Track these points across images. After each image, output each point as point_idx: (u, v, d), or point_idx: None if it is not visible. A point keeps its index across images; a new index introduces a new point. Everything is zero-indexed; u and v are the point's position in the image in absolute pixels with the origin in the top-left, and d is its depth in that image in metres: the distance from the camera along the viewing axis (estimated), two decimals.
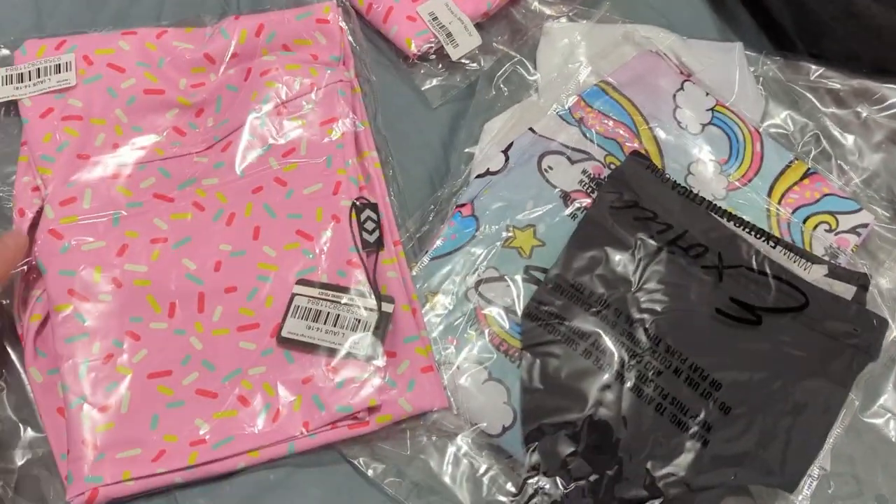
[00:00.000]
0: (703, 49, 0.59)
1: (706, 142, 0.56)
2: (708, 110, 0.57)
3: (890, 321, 0.52)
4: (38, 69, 0.53)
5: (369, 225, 0.50)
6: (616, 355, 0.47)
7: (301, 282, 0.49)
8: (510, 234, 0.51)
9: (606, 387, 0.46)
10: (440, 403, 0.47)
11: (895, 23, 0.53)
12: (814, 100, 0.58)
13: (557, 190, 0.52)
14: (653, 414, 0.45)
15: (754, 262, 0.49)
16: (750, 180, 0.55)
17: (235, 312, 0.49)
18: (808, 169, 0.55)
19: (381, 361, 0.46)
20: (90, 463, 0.44)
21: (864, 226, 0.54)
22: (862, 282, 0.49)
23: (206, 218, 0.51)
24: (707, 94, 0.57)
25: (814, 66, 0.58)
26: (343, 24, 0.56)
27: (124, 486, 0.44)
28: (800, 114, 0.58)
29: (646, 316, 0.47)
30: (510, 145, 0.54)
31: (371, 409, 0.46)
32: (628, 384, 0.46)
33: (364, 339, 0.47)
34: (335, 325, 0.47)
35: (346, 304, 0.48)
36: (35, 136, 0.52)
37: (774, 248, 0.50)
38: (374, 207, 0.51)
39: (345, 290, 0.48)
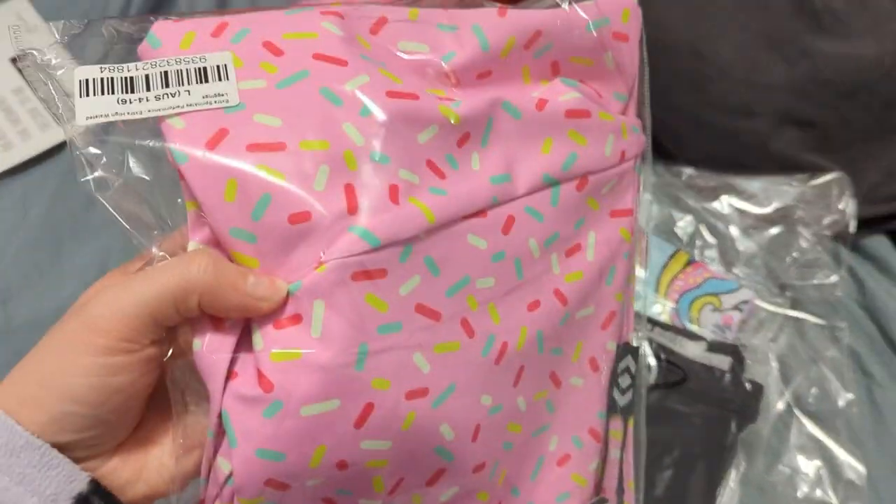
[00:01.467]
0: None
1: None
2: None
3: (782, 387, 0.58)
4: (165, 72, 0.30)
5: (624, 380, 0.38)
6: None
7: None
8: None
9: None
10: None
11: (738, 126, 0.62)
12: (688, 198, 0.66)
13: None
14: None
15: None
16: (637, 275, 0.62)
17: (472, 497, 0.35)
18: (690, 258, 0.63)
19: None
20: None
21: (746, 302, 0.60)
22: (735, 352, 0.55)
23: (475, 349, 0.33)
24: None
25: (685, 169, 0.66)
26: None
27: None
28: (681, 210, 0.66)
29: None
30: None
31: None
32: None
33: None
34: None
35: None
36: (205, 188, 0.29)
37: (652, 330, 0.57)
38: (636, 354, 0.38)
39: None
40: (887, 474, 0.56)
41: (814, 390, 0.58)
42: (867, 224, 0.64)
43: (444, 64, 0.33)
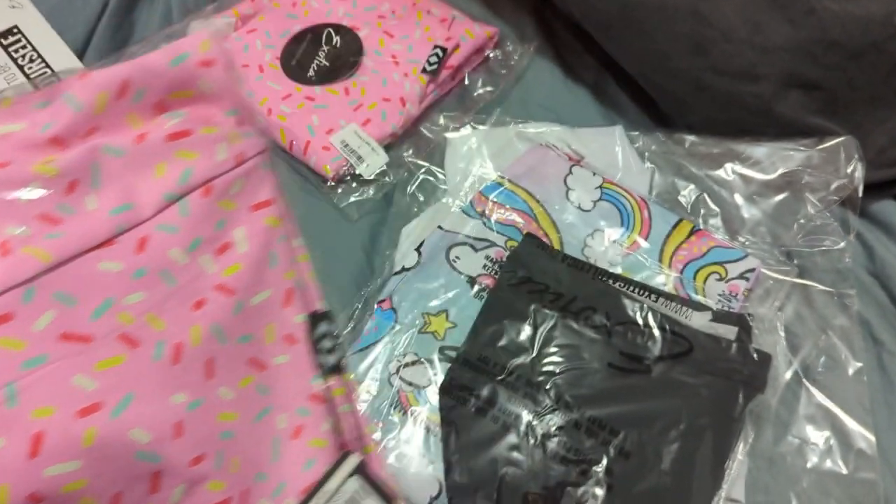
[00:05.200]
0: (589, 135, 0.67)
1: (598, 216, 0.62)
2: (597, 188, 0.63)
3: (789, 356, 0.57)
4: None
5: (326, 343, 0.42)
6: (521, 417, 0.51)
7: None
8: (425, 321, 0.57)
9: (515, 447, 0.50)
10: None
11: (740, 90, 0.60)
12: (691, 165, 0.64)
13: (464, 276, 0.59)
14: (559, 467, 0.50)
15: (639, 317, 0.54)
16: (641, 245, 0.61)
17: (203, 489, 0.37)
18: (694, 227, 0.61)
19: None
20: None
21: (751, 271, 0.59)
22: (742, 322, 0.54)
23: (143, 357, 0.36)
24: (594, 173, 0.64)
25: (687, 136, 0.65)
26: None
27: None
28: (684, 179, 0.64)
29: (545, 378, 0.52)
30: (422, 243, 0.61)
31: None
32: (533, 441, 0.50)
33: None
34: None
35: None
36: None
37: (657, 301, 0.55)
38: (330, 317, 0.43)
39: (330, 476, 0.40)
40: None
41: (822, 359, 0.57)
42: (874, 189, 0.63)
43: (42, 134, 0.37)
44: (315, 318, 0.42)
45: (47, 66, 0.72)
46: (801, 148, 0.61)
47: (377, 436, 0.53)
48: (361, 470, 0.41)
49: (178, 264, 0.38)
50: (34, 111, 0.38)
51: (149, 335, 0.36)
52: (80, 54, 0.72)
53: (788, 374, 0.56)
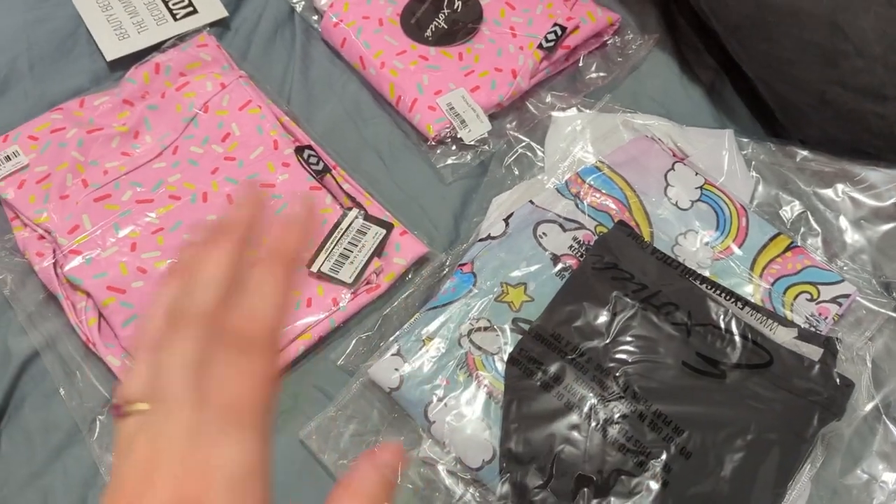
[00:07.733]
0: (697, 135, 0.65)
1: (694, 216, 0.61)
2: (697, 188, 0.62)
3: (872, 390, 0.55)
4: None
5: (312, 160, 0.65)
6: (586, 399, 0.51)
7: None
8: (503, 290, 0.57)
9: (575, 426, 0.50)
10: (422, 250, 0.61)
11: (865, 108, 0.58)
12: (799, 181, 0.62)
13: (548, 253, 0.59)
14: (616, 454, 0.49)
15: (722, 321, 0.53)
16: (733, 252, 0.59)
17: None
18: (791, 242, 0.59)
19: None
20: None
21: (846, 296, 0.57)
22: (829, 345, 0.52)
23: (184, 203, 0.63)
24: (696, 174, 0.62)
25: (800, 150, 0.62)
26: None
27: None
28: (789, 194, 0.62)
29: (616, 365, 0.52)
30: (511, 214, 0.61)
31: (377, 274, 0.60)
32: (594, 425, 0.50)
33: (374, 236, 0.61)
34: (354, 249, 0.60)
35: (346, 237, 0.60)
36: (21, 203, 0.61)
37: (743, 309, 0.54)
38: (310, 147, 0.66)
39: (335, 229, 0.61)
40: None
41: None
42: None
43: (118, 98, 0.67)
44: (298, 149, 0.65)
45: (191, 2, 0.74)
46: None
47: (440, 392, 0.54)
48: (363, 213, 0.62)
49: (198, 153, 0.65)
50: (112, 92, 0.68)
51: (186, 192, 0.63)
52: None
53: (868, 408, 0.54)
